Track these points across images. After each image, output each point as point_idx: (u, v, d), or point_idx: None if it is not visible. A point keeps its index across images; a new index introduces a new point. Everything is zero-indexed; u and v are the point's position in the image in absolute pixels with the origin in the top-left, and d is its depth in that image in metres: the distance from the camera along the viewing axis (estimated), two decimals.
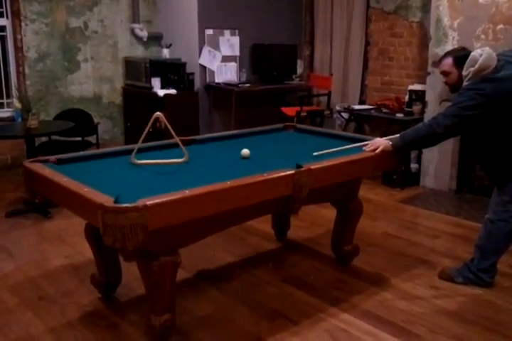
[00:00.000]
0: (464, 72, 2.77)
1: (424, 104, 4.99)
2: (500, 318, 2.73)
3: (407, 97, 5.32)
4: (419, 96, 5.13)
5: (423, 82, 5.11)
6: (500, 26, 4.39)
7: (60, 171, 2.49)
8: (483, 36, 4.50)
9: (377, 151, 2.91)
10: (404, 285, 3.07)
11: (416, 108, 5.11)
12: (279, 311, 2.78)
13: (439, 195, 4.80)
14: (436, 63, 2.96)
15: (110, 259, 2.80)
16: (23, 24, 5.41)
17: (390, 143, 2.93)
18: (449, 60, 2.87)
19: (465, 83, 2.78)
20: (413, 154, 4.96)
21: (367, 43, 6.00)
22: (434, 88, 4.86)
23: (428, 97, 4.94)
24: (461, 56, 2.82)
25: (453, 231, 3.93)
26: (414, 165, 5.09)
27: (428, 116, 4.92)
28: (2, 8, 5.38)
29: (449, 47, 4.67)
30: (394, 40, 5.72)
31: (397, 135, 2.98)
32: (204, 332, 2.59)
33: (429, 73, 4.90)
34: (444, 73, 2.90)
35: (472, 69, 2.71)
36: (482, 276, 3.02)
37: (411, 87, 5.30)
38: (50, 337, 2.54)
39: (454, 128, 2.80)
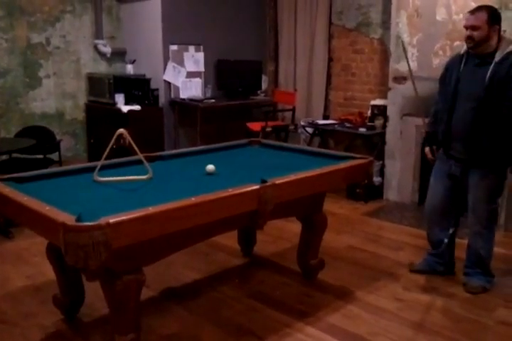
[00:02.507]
0: (511, 46, 2.86)
1: (386, 119, 5.10)
2: (463, 328, 2.79)
3: (369, 112, 5.42)
4: (380, 111, 5.24)
5: (385, 97, 5.23)
6: (457, 43, 4.52)
7: (20, 190, 2.44)
8: (441, 52, 4.64)
9: None
10: (369, 297, 3.10)
11: (378, 122, 5.22)
12: (246, 327, 2.77)
13: (402, 207, 4.89)
14: (467, 16, 2.93)
15: (73, 279, 2.74)
16: None
17: None
18: (483, 15, 2.83)
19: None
20: (376, 168, 5.05)
21: (330, 59, 6.11)
22: (394, 103, 4.98)
23: (389, 112, 5.06)
24: (496, 15, 2.87)
25: (416, 242, 3.99)
26: (377, 179, 5.18)
27: (390, 130, 5.04)
28: None
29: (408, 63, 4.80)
30: (356, 56, 5.85)
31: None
32: None
33: (390, 88, 5.02)
34: (474, 28, 2.84)
35: None
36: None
37: (373, 102, 5.41)
38: None
39: None
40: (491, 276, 3.25)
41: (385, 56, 5.44)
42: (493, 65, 2.86)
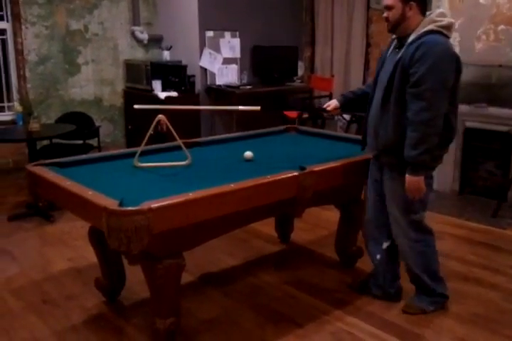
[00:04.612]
0: (430, 25, 2.44)
1: None
2: (504, 319, 2.73)
3: None
4: None
5: None
6: (502, 27, 4.39)
7: (63, 174, 2.49)
8: (484, 37, 4.51)
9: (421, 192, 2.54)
10: (408, 287, 3.03)
11: None
12: (284, 314, 2.77)
13: (441, 196, 4.78)
14: None
15: (114, 262, 2.79)
16: (23, 27, 5.41)
17: (417, 177, 2.49)
18: None
19: (421, 30, 2.45)
20: None
21: (368, 44, 6.00)
22: None
23: None
24: None
25: (456, 232, 3.92)
26: None
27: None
28: (2, 11, 5.38)
29: None
30: None
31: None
32: (209, 335, 2.58)
33: None
34: (387, 7, 2.52)
35: (443, 22, 2.45)
36: (443, 291, 2.82)
37: None
38: None
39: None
40: (436, 296, 2.81)
41: None
42: (404, 47, 2.49)
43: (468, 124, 4.70)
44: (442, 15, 2.51)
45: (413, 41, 2.45)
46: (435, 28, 2.44)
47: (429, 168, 2.57)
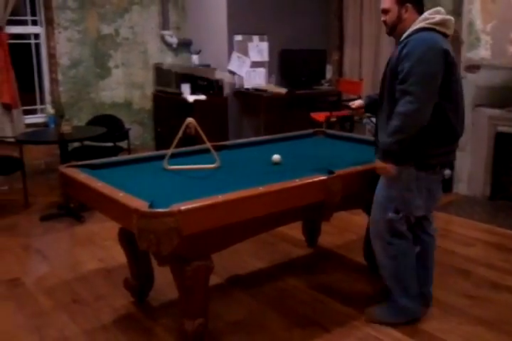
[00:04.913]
0: (421, 23, 2.44)
1: None
2: None
3: None
4: None
5: None
6: None
7: (94, 176, 2.53)
8: None
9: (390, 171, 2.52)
10: (438, 293, 2.99)
11: None
12: (311, 318, 2.76)
13: (472, 201, 4.71)
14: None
15: (143, 263, 2.82)
16: (56, 32, 5.51)
17: (387, 164, 2.51)
18: None
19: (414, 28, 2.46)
20: None
21: None
22: (466, 93, 4.77)
23: None
24: None
25: (487, 238, 3.85)
26: (447, 171, 4.97)
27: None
28: (36, 16, 5.50)
29: (482, 51, 4.61)
30: None
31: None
32: (235, 337, 2.59)
33: (462, 78, 4.82)
34: (384, 11, 2.56)
35: (435, 19, 2.44)
36: (411, 307, 2.68)
37: None
38: (85, 340, 2.57)
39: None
40: (398, 309, 2.69)
41: (456, 44, 5.22)
42: (398, 46, 2.50)
43: (500, 129, 4.61)
44: (436, 12, 2.50)
45: (403, 40, 2.47)
46: (426, 26, 2.44)
47: (421, 162, 2.52)
